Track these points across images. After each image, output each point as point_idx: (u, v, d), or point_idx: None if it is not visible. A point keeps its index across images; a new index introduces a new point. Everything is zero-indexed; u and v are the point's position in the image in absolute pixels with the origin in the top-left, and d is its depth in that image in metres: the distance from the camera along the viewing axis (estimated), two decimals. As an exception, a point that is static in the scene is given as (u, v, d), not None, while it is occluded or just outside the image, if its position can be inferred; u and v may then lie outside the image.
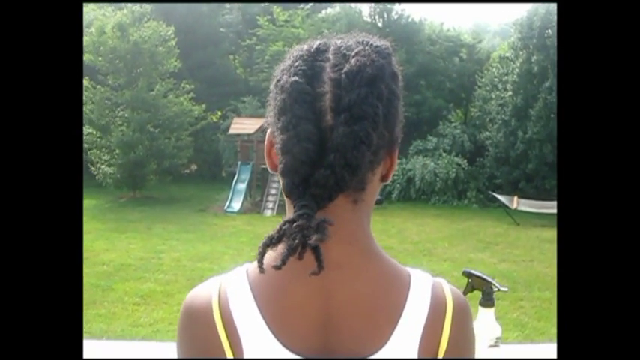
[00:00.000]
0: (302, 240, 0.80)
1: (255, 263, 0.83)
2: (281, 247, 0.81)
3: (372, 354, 0.86)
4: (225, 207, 15.68)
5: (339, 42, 0.91)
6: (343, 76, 0.85)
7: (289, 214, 0.86)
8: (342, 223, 0.87)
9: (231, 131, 17.70)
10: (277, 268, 0.79)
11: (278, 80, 0.91)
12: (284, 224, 0.82)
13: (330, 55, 0.89)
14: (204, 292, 0.92)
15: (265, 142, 0.96)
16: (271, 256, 0.83)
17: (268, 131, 0.95)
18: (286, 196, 0.88)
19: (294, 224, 0.81)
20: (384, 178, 0.94)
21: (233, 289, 0.90)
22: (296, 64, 0.89)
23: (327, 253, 0.81)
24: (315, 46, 0.91)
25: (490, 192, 16.38)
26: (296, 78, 0.87)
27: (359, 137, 0.83)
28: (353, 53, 0.87)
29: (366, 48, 0.88)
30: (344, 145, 0.82)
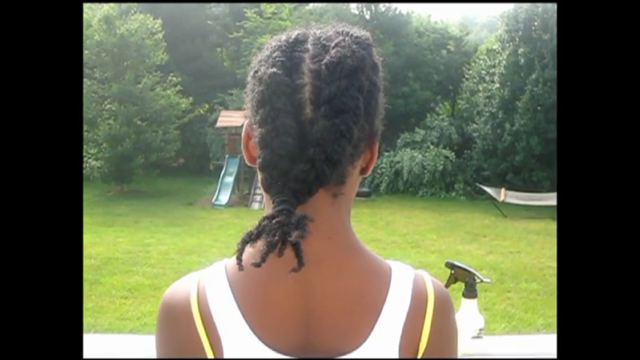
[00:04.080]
0: (282, 237, 0.78)
1: (235, 258, 0.81)
2: (260, 244, 0.79)
3: (354, 349, 0.85)
4: (213, 200, 15.64)
5: (318, 32, 0.89)
6: (323, 67, 0.83)
7: (268, 208, 0.84)
8: (321, 217, 0.85)
9: (219, 124, 17.62)
10: (257, 265, 0.77)
11: (256, 71, 0.88)
12: (263, 220, 0.80)
13: (310, 46, 0.86)
14: (183, 288, 0.90)
15: (242, 134, 0.93)
16: (250, 252, 0.81)
17: (246, 122, 0.92)
18: (265, 191, 0.86)
19: (274, 220, 0.79)
20: (363, 171, 0.93)
21: (212, 285, 0.88)
22: (274, 54, 0.86)
23: (307, 248, 0.79)
24: (293, 37, 0.88)
25: (478, 184, 16.45)
26: (274, 69, 0.84)
27: (339, 131, 0.81)
28: (333, 44, 0.85)
29: (346, 39, 0.86)
30: (324, 139, 0.80)
